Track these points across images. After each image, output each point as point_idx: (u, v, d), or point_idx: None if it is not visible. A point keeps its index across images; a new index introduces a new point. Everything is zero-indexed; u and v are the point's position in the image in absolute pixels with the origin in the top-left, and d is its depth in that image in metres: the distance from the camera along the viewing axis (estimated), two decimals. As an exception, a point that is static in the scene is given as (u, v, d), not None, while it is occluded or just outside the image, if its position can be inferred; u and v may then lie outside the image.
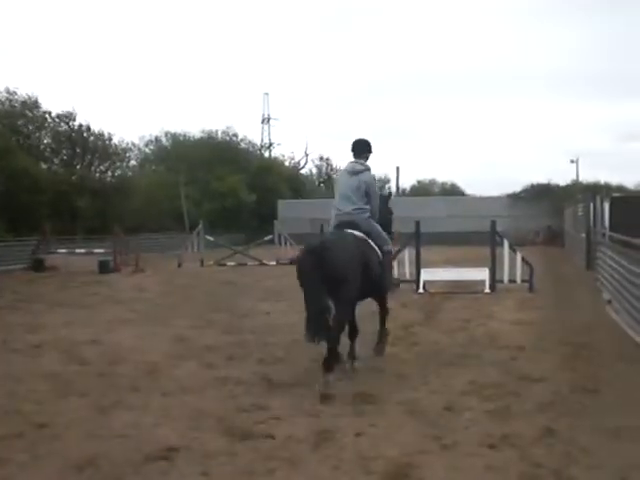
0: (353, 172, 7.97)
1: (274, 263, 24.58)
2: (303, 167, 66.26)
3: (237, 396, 6.53)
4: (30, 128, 33.96)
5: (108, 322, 11.34)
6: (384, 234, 8.05)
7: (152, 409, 6.13)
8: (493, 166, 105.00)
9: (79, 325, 11.15)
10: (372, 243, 7.66)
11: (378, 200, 8.15)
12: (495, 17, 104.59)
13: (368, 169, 8.09)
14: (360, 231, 7.57)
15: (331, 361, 6.87)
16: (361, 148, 8.20)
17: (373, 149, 8.37)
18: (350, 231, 7.50)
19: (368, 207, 7.84)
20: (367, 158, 8.23)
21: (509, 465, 4.70)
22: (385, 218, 8.43)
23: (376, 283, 7.67)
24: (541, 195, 40.88)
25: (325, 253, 7.00)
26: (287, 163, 61.94)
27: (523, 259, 15.00)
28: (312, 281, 7.10)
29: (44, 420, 5.80)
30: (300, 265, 7.29)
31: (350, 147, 8.21)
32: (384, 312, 8.32)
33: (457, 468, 4.66)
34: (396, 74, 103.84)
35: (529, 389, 6.63)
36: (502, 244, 15.12)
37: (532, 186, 41.98)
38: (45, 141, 34.97)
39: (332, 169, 70.43)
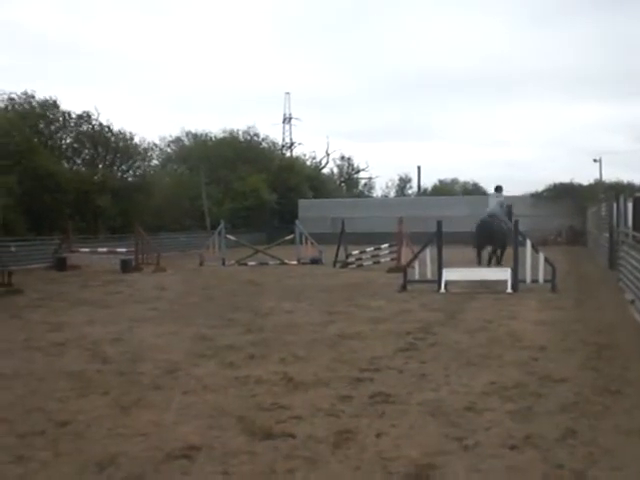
0: (495, 197, 19.32)
1: (295, 262, 24.63)
2: (324, 167, 66.35)
3: (258, 395, 6.53)
4: (52, 129, 34.20)
5: (130, 320, 11.39)
6: (508, 221, 18.15)
7: (173, 407, 6.14)
8: (515, 166, 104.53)
9: (101, 323, 11.21)
10: (502, 224, 18.20)
11: (505, 208, 19.29)
12: (517, 16, 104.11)
13: (502, 197, 19.48)
14: (498, 219, 18.36)
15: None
16: (498, 188, 19.52)
17: (504, 190, 19.90)
18: (492, 219, 18.36)
19: (501, 210, 18.89)
20: (501, 191, 19.58)
21: (531, 466, 4.66)
22: (510, 214, 19.27)
23: (502, 240, 18.07)
24: (564, 195, 40.65)
25: (487, 224, 18.29)
26: (308, 162, 62.02)
27: (546, 259, 14.91)
28: (481, 236, 18.42)
29: (66, 418, 5.83)
30: (478, 229, 18.53)
31: (494, 188, 19.71)
32: (500, 257, 18.48)
33: (478, 469, 4.62)
34: (418, 73, 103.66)
35: (551, 389, 6.58)
36: (524, 244, 15.05)
37: (555, 185, 41.72)
38: (67, 141, 35.21)
39: (353, 169, 70.54)
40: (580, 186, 42.01)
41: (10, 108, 33.00)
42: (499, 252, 18.51)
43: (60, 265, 23.50)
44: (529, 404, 6.08)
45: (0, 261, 16.84)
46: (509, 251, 16.10)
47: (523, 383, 6.83)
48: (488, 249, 18.84)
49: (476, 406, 6.03)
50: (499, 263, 18.11)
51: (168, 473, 4.63)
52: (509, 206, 19.92)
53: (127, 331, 10.38)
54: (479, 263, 18.45)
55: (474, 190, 70.33)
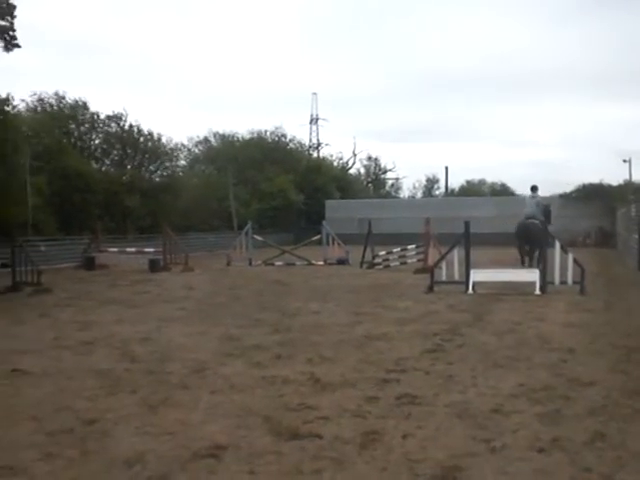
0: (532, 197, 19.96)
1: (322, 263, 24.63)
2: (351, 167, 66.38)
3: (284, 395, 6.54)
4: (81, 130, 34.54)
5: (158, 320, 11.47)
6: (544, 221, 18.53)
7: (200, 407, 6.16)
8: (543, 166, 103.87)
9: (129, 323, 11.30)
10: (539, 224, 18.33)
11: (542, 208, 19.65)
12: (544, 13, 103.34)
13: (538, 196, 20.16)
14: (536, 220, 18.83)
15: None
16: (534, 188, 20.04)
17: (539, 190, 20.52)
18: (531, 220, 18.97)
19: (538, 210, 19.43)
20: (536, 191, 20.14)
21: (558, 469, 4.63)
22: (548, 213, 19.83)
23: (540, 242, 16.75)
24: (593, 195, 40.27)
25: (526, 227, 18.80)
26: (335, 163, 62.09)
27: (574, 260, 14.78)
28: (520, 237, 18.95)
29: (94, 416, 5.88)
30: (517, 230, 19.23)
31: (530, 188, 20.17)
32: (540, 257, 16.51)
33: (505, 471, 4.59)
34: (446, 73, 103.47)
35: (580, 392, 6.52)
36: (553, 245, 14.94)
37: (584, 186, 41.33)
38: (96, 142, 35.55)
39: (380, 169, 70.48)
40: (609, 187, 41.54)
41: (40, 109, 33.39)
42: (537, 252, 18.03)
43: (89, 264, 23.73)
44: (557, 407, 6.03)
45: (30, 261, 16.98)
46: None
47: (551, 386, 6.78)
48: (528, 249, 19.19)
49: (503, 408, 6.00)
50: (539, 263, 16.79)
51: (195, 472, 4.65)
52: (546, 205, 20.47)
53: (155, 330, 10.45)
54: (523, 263, 18.80)
55: (502, 191, 70.02)
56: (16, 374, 7.63)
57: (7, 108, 24.37)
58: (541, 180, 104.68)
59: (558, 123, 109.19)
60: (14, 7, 22.48)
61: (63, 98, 33.84)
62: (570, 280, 14.71)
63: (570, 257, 14.78)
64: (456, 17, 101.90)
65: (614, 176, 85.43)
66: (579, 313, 11.86)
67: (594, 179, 42.37)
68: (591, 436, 5.22)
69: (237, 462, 4.80)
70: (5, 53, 22.81)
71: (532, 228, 18.53)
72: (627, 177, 47.12)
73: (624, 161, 48.61)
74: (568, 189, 41.94)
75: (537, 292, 14.42)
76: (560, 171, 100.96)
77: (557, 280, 14.77)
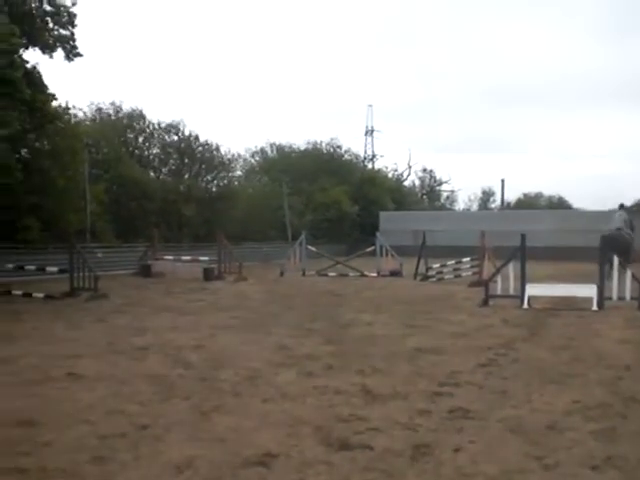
0: (619, 214, 20.88)
1: (375, 274, 24.57)
2: (406, 179, 66.23)
3: (336, 405, 6.53)
4: (139, 140, 35.09)
5: (211, 328, 11.56)
6: (632, 233, 20.60)
7: (252, 414, 6.19)
8: (602, 180, 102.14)
9: (183, 330, 11.40)
10: (626, 235, 20.01)
11: (629, 223, 20.74)
12: (604, 29, 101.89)
13: (624, 214, 21.00)
14: (623, 232, 20.16)
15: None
16: (622, 206, 21.80)
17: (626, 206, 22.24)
18: (620, 232, 19.92)
19: (625, 225, 20.46)
20: (623, 208, 21.69)
21: (614, 488, 4.54)
22: (632, 227, 20.99)
23: (628, 252, 18.46)
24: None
25: (614, 238, 19.05)
26: (390, 175, 62.00)
27: (633, 275, 14.50)
28: (607, 248, 17.10)
29: (147, 421, 5.94)
30: (603, 242, 18.52)
31: (619, 206, 21.98)
32: (627, 263, 15.86)
33: (559, 489, 4.52)
34: (503, 86, 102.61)
35: (635, 410, 6.38)
36: (612, 260, 14.68)
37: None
38: (154, 151, 36.07)
39: (435, 181, 70.15)
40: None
41: (98, 119, 34.02)
42: (622, 260, 17.46)
43: (145, 272, 24.03)
44: (613, 424, 5.91)
45: (87, 267, 17.28)
46: (592, 267, 15.63)
47: (607, 403, 6.65)
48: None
49: (558, 425, 5.90)
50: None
51: (245, 479, 4.66)
52: (631, 220, 21.59)
53: (209, 338, 10.53)
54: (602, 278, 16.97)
55: (559, 204, 69.09)
56: (71, 377, 7.76)
57: (67, 117, 24.92)
58: (599, 194, 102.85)
59: (617, 137, 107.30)
60: (75, 16, 22.87)
61: (120, 108, 34.49)
62: (628, 296, 14.43)
63: (628, 272, 14.51)
64: (514, 30, 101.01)
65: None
66: (636, 329, 11.62)
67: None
68: (647, 455, 5.11)
69: (287, 471, 4.80)
70: (67, 62, 23.21)
71: (620, 238, 19.79)
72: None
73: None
74: (628, 203, 41.23)
75: (594, 308, 14.17)
76: (618, 185, 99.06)
77: (615, 296, 14.50)
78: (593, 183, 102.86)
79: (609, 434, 5.65)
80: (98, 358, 8.96)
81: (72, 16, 22.81)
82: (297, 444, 5.36)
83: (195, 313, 13.78)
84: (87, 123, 32.69)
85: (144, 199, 30.04)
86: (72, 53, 23.08)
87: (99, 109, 34.33)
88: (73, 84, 68.85)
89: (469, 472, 4.78)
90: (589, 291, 14.71)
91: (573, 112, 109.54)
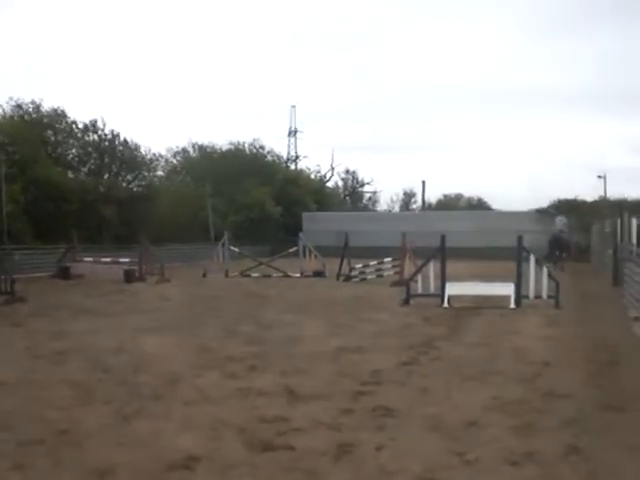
0: (560, 219, 30.77)
1: (299, 275, 24.60)
2: (329, 180, 66.43)
3: (259, 407, 6.52)
4: (59, 138, 34.29)
5: (132, 330, 11.38)
6: (569, 234, 30.75)
7: (174, 418, 6.13)
8: (519, 181, 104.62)
9: (103, 333, 11.21)
10: (566, 236, 30.29)
11: (567, 227, 30.90)
12: (525, 33, 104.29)
13: (564, 219, 31.00)
14: (564, 233, 30.19)
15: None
16: (561, 214, 30.77)
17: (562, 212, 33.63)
18: (561, 234, 29.61)
19: (565, 227, 30.27)
20: (562, 215, 31.29)
21: (532, 482, 4.64)
22: (570, 229, 30.88)
23: (568, 249, 29.62)
24: (568, 211, 40.67)
25: (558, 238, 29.22)
26: (313, 176, 62.06)
27: (549, 275, 14.88)
28: (554, 245, 28.49)
29: (66, 427, 5.82)
30: (551, 239, 29.01)
31: (558, 215, 32.11)
32: (563, 260, 27.78)
33: (479, 484, 4.61)
34: (423, 88, 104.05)
35: (554, 406, 6.56)
36: (528, 259, 15.02)
37: (559, 202, 41.76)
38: (73, 151, 35.29)
39: (357, 182, 70.61)
40: (584, 202, 42.07)
41: (17, 117, 33.09)
42: (564, 255, 29.07)
43: (64, 274, 23.53)
44: (531, 420, 6.05)
45: (3, 269, 16.80)
46: (510, 267, 15.92)
47: (526, 399, 6.81)
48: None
49: (478, 421, 6.01)
50: (562, 268, 25.97)
51: (168, 483, 4.62)
52: (569, 224, 30.36)
53: (129, 341, 10.38)
54: (554, 264, 26.98)
55: (478, 205, 70.38)
56: (-13, 384, 7.55)
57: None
58: (516, 195, 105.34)
59: (535, 139, 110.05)
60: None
61: (40, 106, 33.61)
62: (545, 294, 14.79)
63: (544, 271, 14.87)
64: (427, 31, 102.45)
65: (590, 192, 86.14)
66: (553, 327, 11.93)
67: (569, 195, 42.99)
68: (565, 449, 5.24)
69: (211, 474, 4.78)
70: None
71: (562, 239, 29.07)
72: (602, 193, 47.62)
73: (599, 177, 49.05)
74: (544, 204, 42.38)
75: (512, 306, 14.50)
76: (535, 186, 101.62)
77: (532, 294, 14.85)
78: (511, 184, 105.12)
79: (528, 429, 5.78)
80: (16, 363, 8.74)
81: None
82: (220, 446, 5.33)
83: (115, 316, 13.56)
84: (4, 119, 31.79)
85: (61, 200, 29.36)
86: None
87: (18, 105, 33.33)
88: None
89: (392, 469, 4.83)
90: (507, 289, 15.02)
91: (491, 115, 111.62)
